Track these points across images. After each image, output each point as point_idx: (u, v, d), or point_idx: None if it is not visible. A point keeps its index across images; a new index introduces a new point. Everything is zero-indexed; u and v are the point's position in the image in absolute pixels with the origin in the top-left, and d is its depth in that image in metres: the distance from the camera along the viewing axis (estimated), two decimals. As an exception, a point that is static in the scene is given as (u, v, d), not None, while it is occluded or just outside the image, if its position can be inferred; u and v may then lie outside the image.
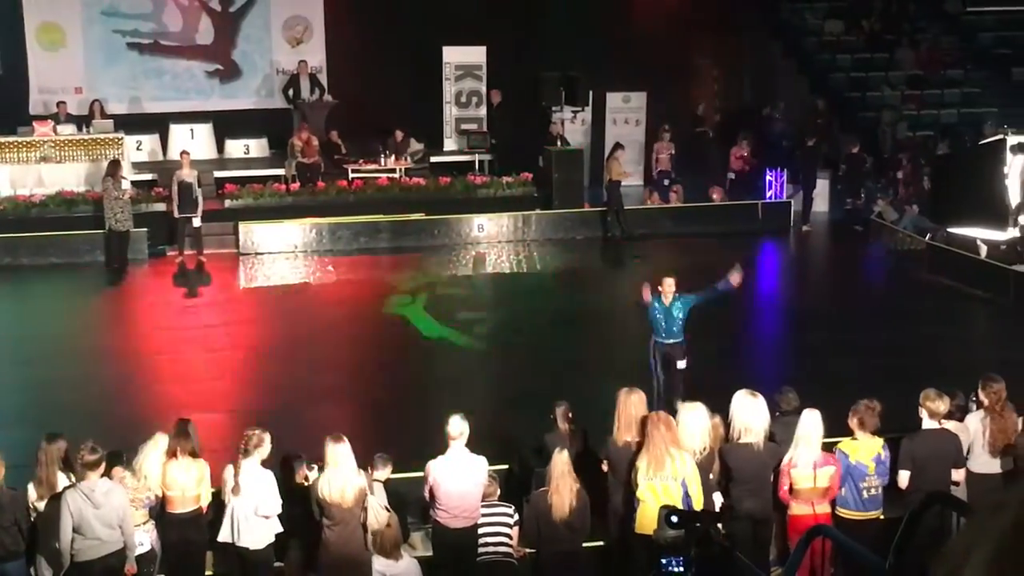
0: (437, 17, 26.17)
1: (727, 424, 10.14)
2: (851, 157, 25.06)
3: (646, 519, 9.36)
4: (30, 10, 25.80)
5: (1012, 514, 1.17)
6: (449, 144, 27.03)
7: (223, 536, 9.86)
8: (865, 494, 9.93)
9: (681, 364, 13.65)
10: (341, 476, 9.53)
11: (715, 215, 24.51)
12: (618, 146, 24.64)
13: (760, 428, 9.92)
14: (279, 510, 9.82)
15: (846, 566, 9.38)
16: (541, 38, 25.97)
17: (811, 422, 9.84)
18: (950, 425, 10.33)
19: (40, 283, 20.63)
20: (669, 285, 13.52)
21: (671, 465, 9.43)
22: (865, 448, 9.93)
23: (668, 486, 9.39)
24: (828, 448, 10.05)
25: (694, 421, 9.87)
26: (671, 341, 13.58)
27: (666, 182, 25.60)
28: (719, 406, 10.19)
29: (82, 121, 24.46)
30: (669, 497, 9.26)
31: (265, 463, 9.92)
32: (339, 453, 9.59)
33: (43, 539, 9.62)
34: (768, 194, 25.11)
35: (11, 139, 23.49)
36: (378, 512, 9.80)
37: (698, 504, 9.17)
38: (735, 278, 13.64)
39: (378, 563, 9.61)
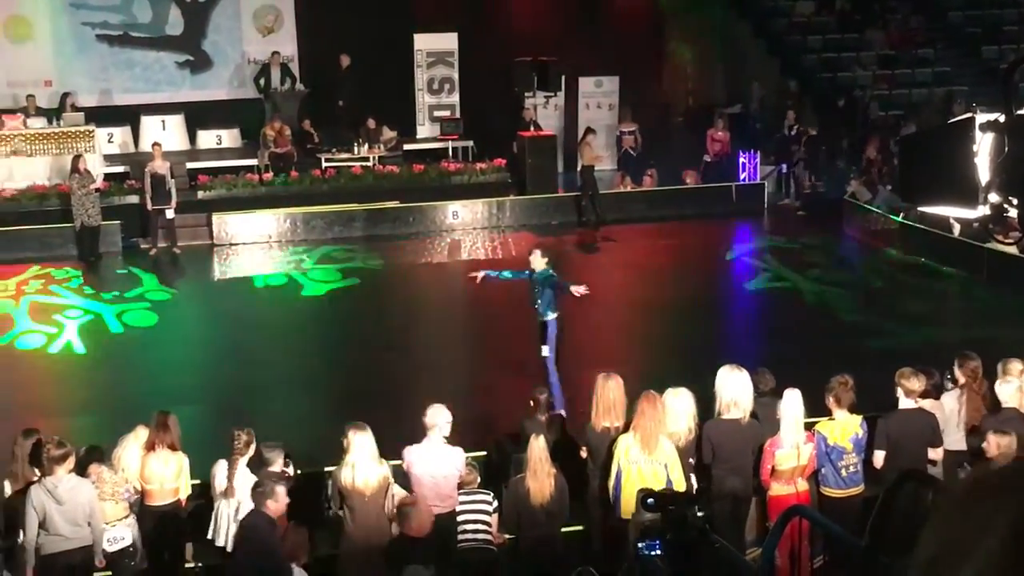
0: (408, 4, 26.10)
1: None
2: (811, 139, 25.10)
3: (634, 505, 9.39)
4: (-3, 3, 25.67)
5: (1005, 521, 1.02)
6: (422, 131, 27.00)
7: (210, 534, 9.85)
8: (844, 472, 9.96)
9: (544, 350, 13.65)
10: (364, 465, 9.50)
11: (689, 198, 24.57)
12: (589, 131, 24.68)
13: (746, 403, 9.93)
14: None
15: (826, 545, 9.42)
16: (512, 24, 25.93)
17: (793, 402, 9.85)
18: (926, 404, 10.35)
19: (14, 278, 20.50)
20: (535, 256, 13.86)
21: (660, 448, 9.49)
22: (842, 428, 9.94)
23: (656, 470, 9.42)
24: (807, 427, 10.07)
25: (680, 404, 9.89)
26: (540, 318, 13.72)
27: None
28: (694, 388, 10.20)
29: (52, 114, 24.35)
30: (656, 480, 9.30)
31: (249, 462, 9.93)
32: (361, 442, 9.56)
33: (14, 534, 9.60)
34: (742, 176, 25.15)
35: (-21, 133, 23.40)
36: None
37: (679, 489, 9.19)
38: (578, 290, 13.71)
39: None
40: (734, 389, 9.91)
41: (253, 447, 9.94)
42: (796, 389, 9.93)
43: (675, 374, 11.66)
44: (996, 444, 9.34)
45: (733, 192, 24.77)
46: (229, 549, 9.75)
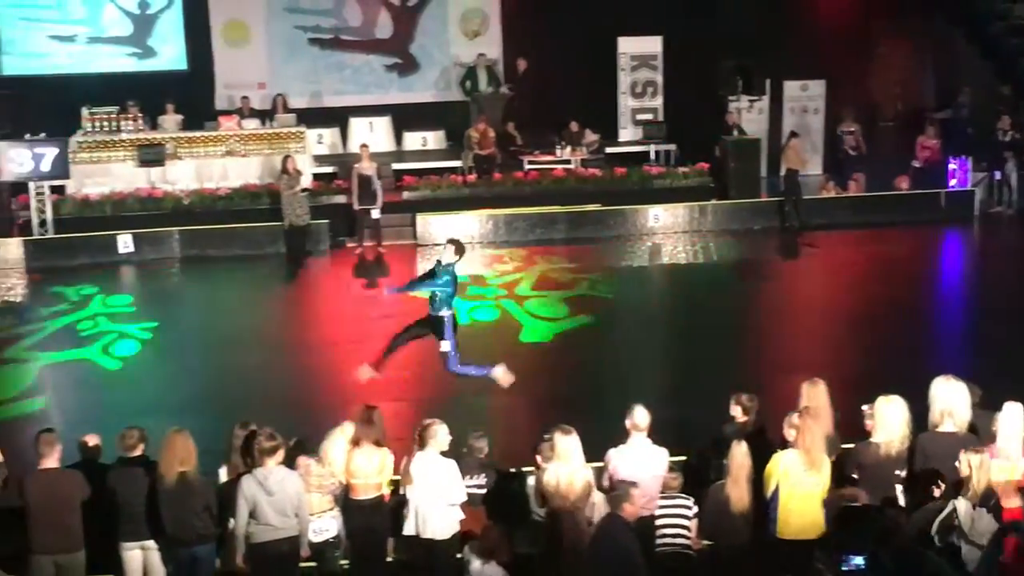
0: (612, 7, 26.11)
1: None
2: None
3: (791, 524, 9.26)
4: (216, 8, 26.58)
5: None
6: (624, 134, 27.01)
7: (408, 530, 9.97)
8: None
9: (443, 346, 13.80)
10: (569, 468, 9.59)
11: (895, 204, 24.02)
12: (793, 134, 24.43)
13: (962, 415, 9.67)
14: (464, 498, 9.95)
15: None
16: (717, 26, 25.72)
17: (1014, 414, 9.54)
18: None
19: (226, 274, 21.13)
20: (447, 249, 13.97)
21: (822, 465, 9.34)
22: (1063, 443, 9.62)
23: (815, 488, 9.29)
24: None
25: (893, 412, 9.66)
26: (433, 312, 13.82)
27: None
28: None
29: (265, 115, 25.10)
30: (815, 498, 9.20)
31: (445, 452, 10.06)
32: (568, 445, 9.66)
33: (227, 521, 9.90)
34: (952, 182, 24.46)
35: (198, 134, 24.26)
36: (603, 508, 9.83)
37: None
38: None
39: None
40: (948, 399, 9.64)
41: (441, 438, 10.03)
42: (1019, 403, 9.60)
43: (879, 382, 11.38)
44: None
45: (942, 199, 24.12)
46: (426, 536, 9.92)
